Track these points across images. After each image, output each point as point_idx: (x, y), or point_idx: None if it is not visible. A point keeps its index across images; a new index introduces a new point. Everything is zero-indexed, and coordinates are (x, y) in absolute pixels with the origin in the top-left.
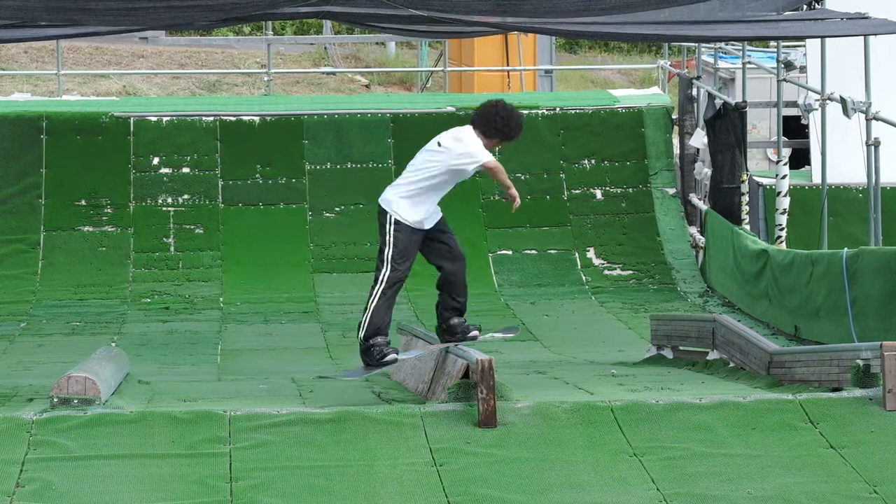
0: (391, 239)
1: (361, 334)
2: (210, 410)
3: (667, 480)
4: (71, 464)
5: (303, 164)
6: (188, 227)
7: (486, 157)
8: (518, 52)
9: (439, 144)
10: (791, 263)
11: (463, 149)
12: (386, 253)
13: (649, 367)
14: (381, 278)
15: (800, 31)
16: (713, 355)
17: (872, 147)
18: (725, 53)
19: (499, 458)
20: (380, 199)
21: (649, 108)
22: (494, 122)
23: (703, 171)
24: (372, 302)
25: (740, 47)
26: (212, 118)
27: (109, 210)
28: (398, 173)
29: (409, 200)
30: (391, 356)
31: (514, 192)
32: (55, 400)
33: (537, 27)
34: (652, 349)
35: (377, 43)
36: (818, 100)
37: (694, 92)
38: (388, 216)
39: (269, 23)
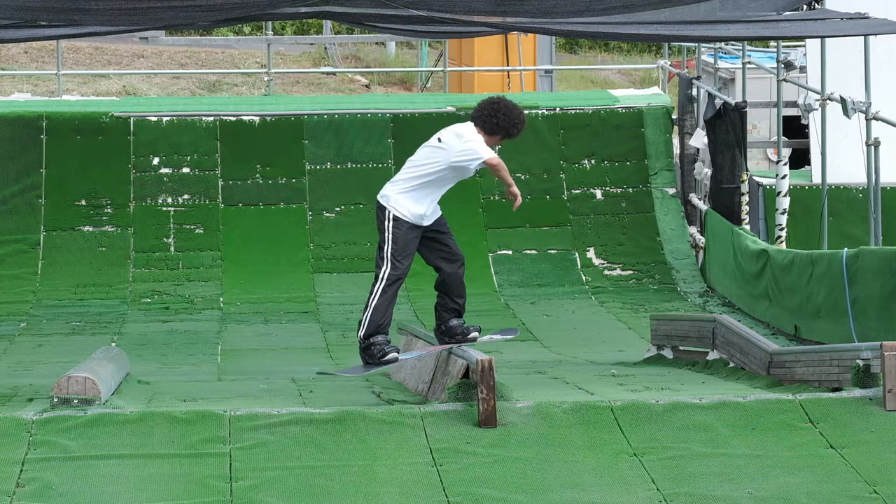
0: (390, 235)
1: (361, 333)
2: (210, 410)
3: (667, 480)
4: (71, 464)
5: (303, 164)
6: (188, 227)
7: (488, 154)
8: (518, 52)
9: (440, 140)
10: (791, 263)
11: (464, 145)
12: (385, 250)
13: (649, 367)
14: (381, 276)
15: (800, 31)
16: (713, 355)
17: (872, 147)
18: (725, 53)
19: (499, 458)
20: (378, 196)
21: (649, 108)
22: (496, 118)
23: (703, 171)
24: (372, 300)
25: (740, 47)
26: (212, 118)
27: (109, 210)
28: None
29: (409, 196)
30: (392, 355)
31: (515, 189)
32: (55, 400)
33: (537, 27)
34: (652, 349)
35: (377, 43)
36: (818, 100)
37: (694, 92)
38: (387, 212)
39: (269, 23)
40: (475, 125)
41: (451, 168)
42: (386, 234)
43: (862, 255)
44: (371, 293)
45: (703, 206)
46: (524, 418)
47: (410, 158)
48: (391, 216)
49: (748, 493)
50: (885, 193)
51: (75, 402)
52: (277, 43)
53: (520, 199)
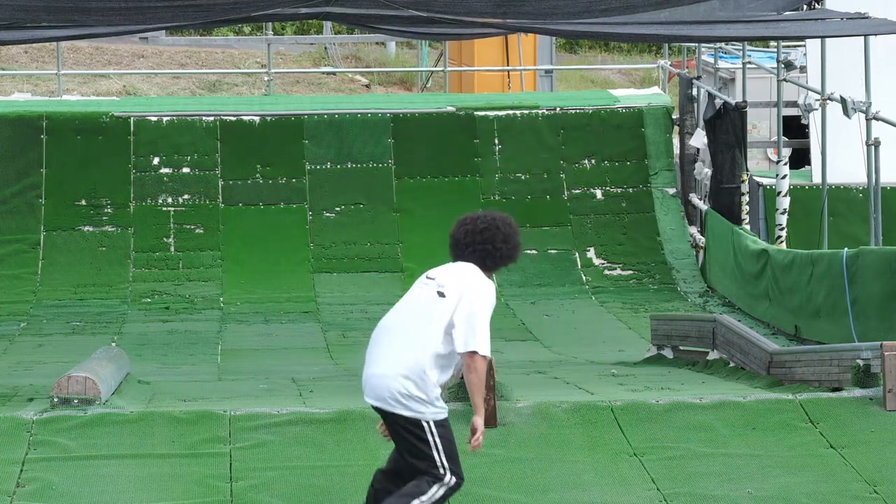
0: (437, 443)
1: None
2: (210, 410)
3: (667, 480)
4: (71, 464)
5: (303, 164)
6: (188, 227)
7: (484, 349)
8: (518, 52)
9: (441, 293)
10: (791, 263)
11: (467, 315)
12: (437, 459)
13: (649, 367)
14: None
15: (800, 31)
16: (713, 355)
17: (872, 147)
18: (725, 53)
19: (499, 458)
20: (382, 395)
21: (649, 108)
22: (499, 251)
23: (703, 171)
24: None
25: (740, 47)
26: (212, 118)
27: (109, 210)
28: (398, 173)
29: (433, 382)
30: None
31: (479, 421)
32: (55, 400)
33: (538, 28)
34: (652, 349)
35: (377, 43)
36: (818, 100)
37: (694, 92)
38: (423, 425)
39: (270, 23)
40: (477, 264)
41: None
42: (432, 445)
43: (862, 255)
44: (416, 495)
45: (703, 206)
46: (524, 418)
47: (403, 320)
48: (432, 427)
49: (748, 493)
50: (885, 193)
51: (75, 402)
52: (277, 43)
53: (480, 439)
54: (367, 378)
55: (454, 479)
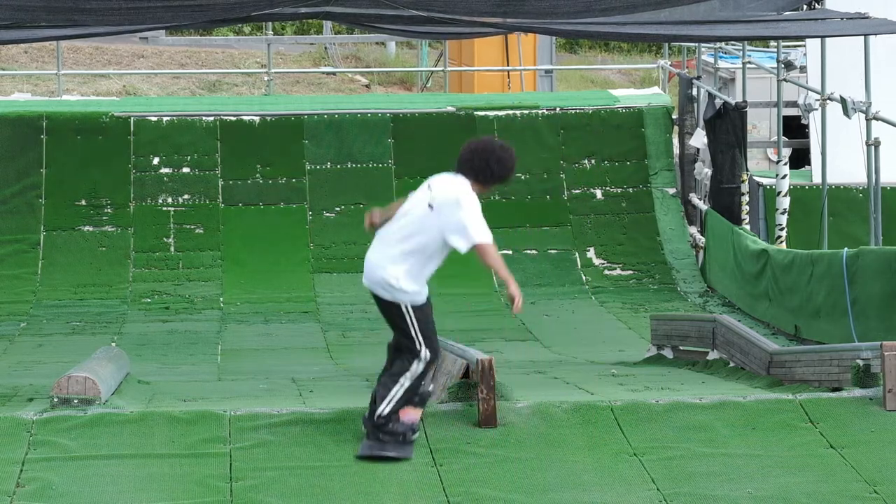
0: (414, 322)
1: (386, 409)
2: (210, 410)
3: (667, 480)
4: (71, 464)
5: (303, 164)
6: (188, 227)
7: (483, 238)
8: (518, 52)
9: (431, 206)
10: (791, 263)
11: (458, 218)
12: (414, 335)
13: (649, 367)
14: (421, 358)
15: (800, 31)
16: (713, 355)
17: (872, 147)
18: (725, 53)
19: (499, 458)
20: (374, 279)
21: (649, 108)
22: (490, 169)
23: (703, 171)
24: (405, 379)
25: (740, 47)
26: (212, 118)
27: (109, 210)
28: (398, 173)
29: (414, 279)
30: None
31: (514, 289)
32: (55, 400)
33: (538, 27)
34: (652, 349)
35: (377, 43)
36: (818, 100)
37: (694, 92)
38: (402, 308)
39: (270, 23)
40: (468, 178)
41: (441, 241)
42: (409, 324)
43: (862, 255)
44: (401, 373)
45: (703, 206)
46: (524, 418)
47: (401, 217)
48: (409, 309)
49: (748, 493)
50: (885, 193)
51: (75, 402)
52: (277, 43)
53: (519, 301)
54: (366, 262)
55: (428, 352)
